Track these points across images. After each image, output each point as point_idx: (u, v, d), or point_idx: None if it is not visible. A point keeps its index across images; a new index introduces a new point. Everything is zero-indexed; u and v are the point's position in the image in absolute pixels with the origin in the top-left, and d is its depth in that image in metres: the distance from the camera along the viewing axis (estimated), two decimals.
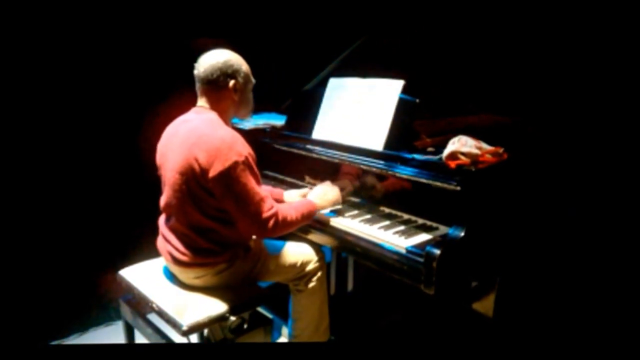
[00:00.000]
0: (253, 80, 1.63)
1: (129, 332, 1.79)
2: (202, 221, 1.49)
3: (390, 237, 1.54)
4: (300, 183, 2.05)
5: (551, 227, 1.88)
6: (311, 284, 1.79)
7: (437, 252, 1.33)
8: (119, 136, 2.48)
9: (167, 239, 1.58)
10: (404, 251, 1.45)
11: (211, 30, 2.68)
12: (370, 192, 1.80)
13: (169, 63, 2.54)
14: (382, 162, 1.70)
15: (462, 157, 1.49)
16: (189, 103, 1.62)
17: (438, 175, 1.49)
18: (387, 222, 1.65)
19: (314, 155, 1.94)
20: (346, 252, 1.65)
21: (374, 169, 1.72)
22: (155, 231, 1.69)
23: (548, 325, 1.93)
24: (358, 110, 1.95)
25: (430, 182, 1.51)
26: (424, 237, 1.52)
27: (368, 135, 1.86)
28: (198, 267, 1.53)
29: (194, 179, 1.44)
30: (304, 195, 1.79)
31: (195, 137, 1.44)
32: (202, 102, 1.58)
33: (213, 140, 1.42)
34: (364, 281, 2.25)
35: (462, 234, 1.39)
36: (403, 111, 1.77)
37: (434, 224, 1.60)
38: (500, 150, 1.53)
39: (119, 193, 2.54)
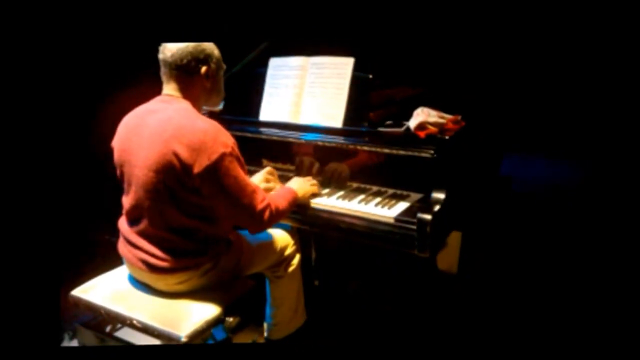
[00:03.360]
0: (224, 66, 1.50)
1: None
2: (184, 221, 1.36)
3: (374, 209, 1.59)
4: (259, 169, 1.97)
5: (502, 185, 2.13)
6: (290, 268, 1.77)
7: (429, 217, 1.42)
8: (56, 129, 2.07)
9: (136, 246, 1.41)
10: (392, 221, 1.51)
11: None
12: (337, 173, 1.82)
13: (122, 47, 2.20)
14: (353, 138, 1.72)
15: (430, 127, 1.58)
16: (150, 91, 1.44)
17: (413, 145, 1.57)
18: (362, 196, 1.69)
19: (275, 139, 1.89)
20: (328, 231, 1.65)
21: (346, 146, 1.74)
22: (101, 242, 1.49)
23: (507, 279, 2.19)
24: (310, 89, 1.93)
25: (409, 152, 1.58)
26: (403, 205, 1.60)
27: (324, 113, 1.87)
28: (182, 272, 1.40)
29: (174, 177, 1.29)
30: (267, 180, 1.72)
31: (172, 130, 1.29)
32: (169, 89, 1.41)
33: (195, 132, 1.29)
34: (326, 254, 2.28)
35: (444, 196, 1.49)
36: (357, 87, 1.81)
37: (404, 192, 1.69)
38: (459, 117, 1.65)
39: (56, 196, 2.14)
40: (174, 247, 1.37)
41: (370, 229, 1.55)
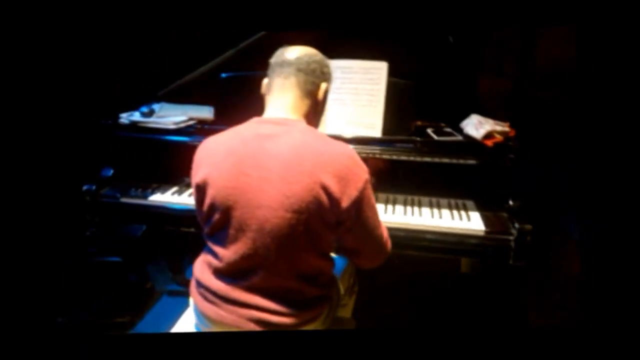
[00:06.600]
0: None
1: None
2: (316, 264, 1.09)
3: (453, 222, 1.54)
4: None
5: None
6: (354, 295, 1.60)
7: (529, 226, 1.44)
8: None
9: (245, 304, 1.07)
10: (482, 233, 1.49)
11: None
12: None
13: None
14: (409, 148, 1.64)
15: (497, 136, 1.61)
16: None
17: (489, 155, 1.58)
18: (426, 209, 1.63)
19: None
20: (407, 250, 1.53)
21: (406, 157, 1.63)
22: None
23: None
24: (337, 96, 1.78)
25: (483, 161, 1.57)
26: (476, 215, 1.59)
27: (360, 122, 1.75)
28: (308, 324, 1.12)
29: (318, 214, 1.02)
30: None
31: (312, 158, 1.02)
32: (281, 106, 1.11)
33: (338, 158, 1.03)
34: None
35: (522, 203, 1.53)
36: (394, 93, 1.73)
37: (459, 201, 1.68)
38: (509, 124, 1.72)
39: None
40: (301, 297, 1.09)
41: (458, 244, 1.49)
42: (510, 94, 2.75)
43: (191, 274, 2.37)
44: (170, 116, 1.82)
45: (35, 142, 1.64)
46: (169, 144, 1.75)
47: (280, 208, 1.01)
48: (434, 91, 1.93)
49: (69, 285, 2.20)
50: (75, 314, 2.13)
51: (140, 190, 1.71)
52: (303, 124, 1.12)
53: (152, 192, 1.70)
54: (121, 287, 2.33)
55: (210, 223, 1.08)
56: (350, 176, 1.03)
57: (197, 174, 1.09)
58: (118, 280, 2.33)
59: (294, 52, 1.13)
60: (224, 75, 1.86)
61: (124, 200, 1.68)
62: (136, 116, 1.79)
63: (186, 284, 2.32)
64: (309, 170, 1.01)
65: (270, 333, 1.08)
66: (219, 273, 1.10)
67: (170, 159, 1.76)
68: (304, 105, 1.13)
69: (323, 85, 1.16)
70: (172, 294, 2.29)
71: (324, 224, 1.04)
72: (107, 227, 1.96)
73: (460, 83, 2.19)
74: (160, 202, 1.66)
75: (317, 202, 1.01)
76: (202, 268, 1.14)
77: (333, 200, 1.01)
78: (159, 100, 2.03)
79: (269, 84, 1.14)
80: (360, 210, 1.07)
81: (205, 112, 1.89)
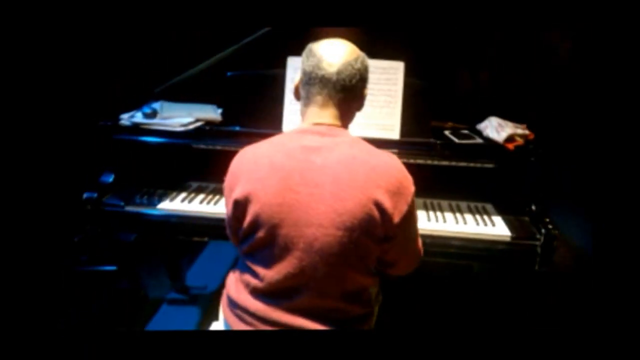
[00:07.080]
0: None
1: None
2: (362, 281, 1.04)
3: (476, 228, 1.51)
4: None
5: None
6: (378, 304, 1.55)
7: (556, 231, 1.43)
8: None
9: (287, 325, 1.01)
10: (508, 239, 1.47)
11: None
12: None
13: None
14: (429, 151, 1.59)
15: (518, 139, 1.59)
16: None
17: (511, 158, 1.55)
18: (448, 214, 1.59)
19: None
20: (433, 258, 1.49)
21: (428, 160, 1.59)
22: None
23: None
24: None
25: (504, 165, 1.55)
26: (498, 219, 1.57)
27: (376, 124, 1.70)
28: None
29: (367, 231, 0.96)
30: None
31: (364, 172, 0.95)
32: (326, 116, 1.03)
33: (389, 172, 0.98)
34: None
35: (544, 206, 1.52)
36: (411, 94, 1.69)
37: (478, 204, 1.66)
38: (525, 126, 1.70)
39: None
40: (344, 317, 1.03)
41: (485, 250, 1.47)
42: (509, 93, 2.76)
43: (190, 280, 2.31)
44: (175, 117, 1.70)
45: (31, 145, 1.50)
46: (176, 147, 1.64)
47: (331, 226, 0.94)
48: (443, 90, 1.91)
49: (61, 294, 2.07)
50: (67, 323, 2.01)
51: (145, 197, 1.60)
52: (349, 135, 1.06)
53: (160, 200, 1.59)
54: (113, 296, 2.21)
55: (250, 241, 1.00)
56: (401, 190, 0.98)
57: (236, 188, 1.00)
58: (110, 289, 2.22)
59: (333, 64, 1.02)
60: (230, 73, 1.76)
61: (129, 209, 1.56)
62: (138, 117, 1.67)
63: (185, 291, 2.25)
64: (361, 185, 0.95)
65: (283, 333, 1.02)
66: (258, 293, 1.02)
67: (177, 163, 1.66)
68: (346, 115, 1.07)
69: (365, 92, 1.10)
70: (171, 303, 2.19)
71: (373, 240, 0.99)
72: (100, 234, 1.85)
73: (462, 81, 2.18)
74: (169, 210, 1.56)
75: (370, 218, 0.95)
76: (237, 288, 1.06)
77: (386, 216, 0.96)
78: (157, 98, 1.90)
79: (307, 97, 1.05)
80: (409, 224, 1.03)
81: (211, 112, 1.79)
